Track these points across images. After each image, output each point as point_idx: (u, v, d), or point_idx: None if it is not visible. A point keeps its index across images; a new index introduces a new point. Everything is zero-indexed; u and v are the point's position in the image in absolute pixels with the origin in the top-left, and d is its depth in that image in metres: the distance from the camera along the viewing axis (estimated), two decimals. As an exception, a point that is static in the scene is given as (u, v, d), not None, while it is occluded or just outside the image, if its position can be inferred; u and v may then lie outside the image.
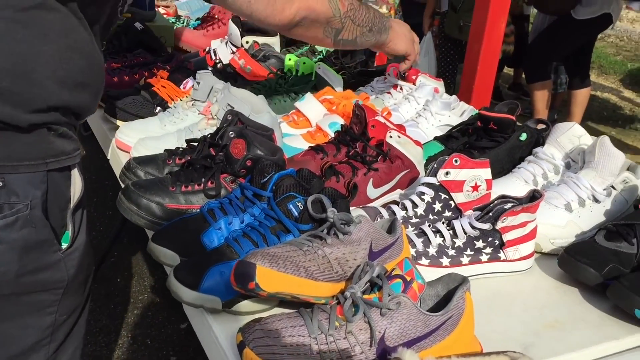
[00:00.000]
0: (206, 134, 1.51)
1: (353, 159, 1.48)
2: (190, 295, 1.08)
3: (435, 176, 1.36)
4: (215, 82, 1.79)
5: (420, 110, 1.90)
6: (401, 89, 2.03)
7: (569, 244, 1.35)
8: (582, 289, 1.28)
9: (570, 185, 1.44)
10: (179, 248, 1.19)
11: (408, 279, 0.98)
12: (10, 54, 0.88)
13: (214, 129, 1.60)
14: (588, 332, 1.17)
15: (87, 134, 2.16)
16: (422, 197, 1.36)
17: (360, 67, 2.32)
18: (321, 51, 2.52)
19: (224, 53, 2.41)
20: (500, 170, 1.61)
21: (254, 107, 1.68)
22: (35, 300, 0.99)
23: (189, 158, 1.45)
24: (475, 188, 1.37)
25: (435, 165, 1.37)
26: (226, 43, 2.45)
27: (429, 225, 1.30)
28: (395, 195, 1.52)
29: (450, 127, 1.79)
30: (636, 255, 1.25)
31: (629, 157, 1.51)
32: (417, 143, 1.55)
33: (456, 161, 1.35)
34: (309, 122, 1.80)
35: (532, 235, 1.31)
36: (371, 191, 1.47)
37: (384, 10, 4.98)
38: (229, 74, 2.21)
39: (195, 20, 3.17)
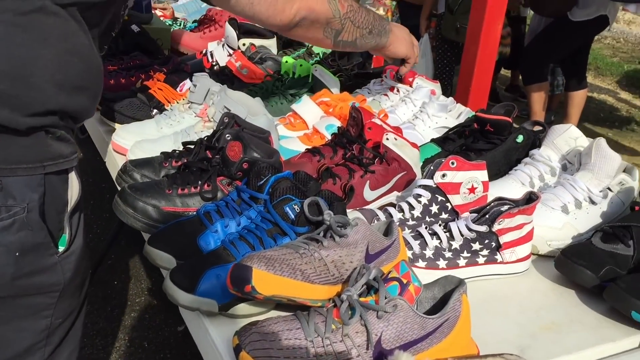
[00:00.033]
0: (203, 137, 1.50)
1: (350, 161, 1.48)
2: (187, 299, 1.08)
3: (432, 178, 1.36)
4: (212, 85, 1.79)
5: (417, 113, 1.90)
6: (398, 91, 2.03)
7: (565, 246, 1.35)
8: (579, 290, 1.28)
9: (566, 187, 1.44)
10: (175, 251, 1.19)
11: (404, 281, 0.98)
12: (10, 57, 0.89)
13: (211, 131, 1.60)
14: (585, 334, 1.17)
15: (83, 137, 2.16)
16: (419, 199, 1.36)
17: (357, 69, 2.32)
18: (318, 53, 2.51)
19: (220, 55, 2.41)
20: (497, 172, 1.61)
21: (250, 109, 1.68)
22: (31, 303, 0.99)
23: (185, 161, 1.45)
24: (472, 190, 1.37)
25: (432, 168, 1.37)
26: (223, 45, 2.45)
27: (426, 228, 1.30)
28: (392, 197, 1.52)
29: (447, 129, 1.79)
30: (633, 257, 1.26)
31: (625, 158, 1.51)
32: (414, 145, 1.55)
33: (453, 163, 1.35)
34: (305, 125, 1.80)
35: (528, 237, 1.32)
36: (368, 193, 1.47)
37: (380, 12, 4.98)
38: (225, 76, 2.20)
39: (192, 23, 3.16)
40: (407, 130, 1.77)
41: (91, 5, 0.96)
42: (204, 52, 2.49)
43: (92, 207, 3.26)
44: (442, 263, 1.25)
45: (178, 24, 3.17)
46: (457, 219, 1.31)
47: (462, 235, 1.27)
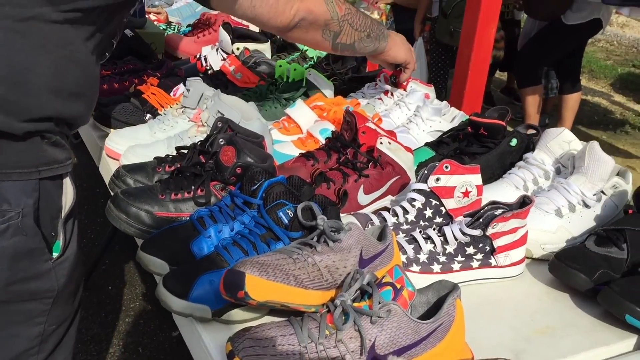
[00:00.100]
0: (196, 142, 1.50)
1: (344, 166, 1.48)
2: (180, 305, 1.07)
3: (426, 182, 1.36)
4: (206, 89, 1.79)
5: (411, 116, 1.90)
6: (392, 94, 2.03)
7: (559, 250, 1.35)
8: (573, 294, 1.28)
9: (560, 190, 1.44)
10: (168, 256, 1.19)
11: (398, 286, 0.98)
12: (8, 62, 0.89)
13: (204, 136, 1.59)
14: (579, 338, 1.17)
15: (77, 142, 2.15)
16: (413, 203, 1.36)
17: (352, 73, 2.32)
18: (312, 57, 2.51)
19: (214, 59, 2.41)
20: (491, 175, 1.61)
21: (244, 114, 1.68)
22: (24, 309, 0.99)
23: (178, 166, 1.45)
24: (466, 194, 1.37)
25: (425, 172, 1.37)
26: (217, 49, 2.45)
27: (420, 232, 1.30)
28: (386, 201, 1.52)
29: (441, 133, 1.79)
30: (626, 261, 1.26)
31: (620, 161, 1.52)
32: (408, 149, 1.55)
33: (447, 167, 1.35)
34: (299, 129, 1.79)
35: (522, 241, 1.32)
36: (362, 197, 1.47)
37: (375, 15, 4.99)
38: (219, 81, 2.20)
39: (186, 27, 3.17)
40: (401, 134, 1.77)
41: (90, 13, 0.96)
42: (198, 56, 2.49)
43: (86, 212, 3.25)
44: (436, 267, 1.25)
45: (172, 28, 3.17)
46: (451, 223, 1.31)
47: (456, 239, 1.27)
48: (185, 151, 1.48)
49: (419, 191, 1.36)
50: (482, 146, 1.65)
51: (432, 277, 1.21)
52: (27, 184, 0.93)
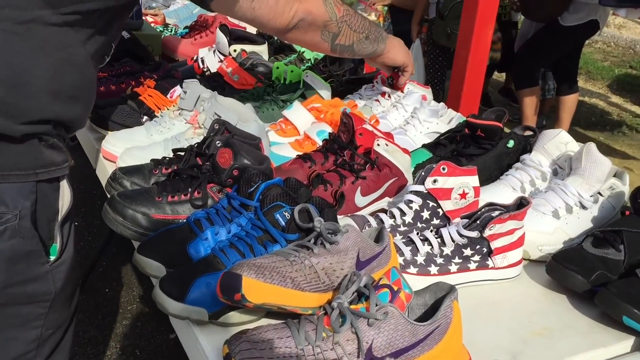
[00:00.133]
0: (193, 144, 1.50)
1: (341, 167, 1.48)
2: (176, 307, 1.07)
3: (423, 184, 1.36)
4: (202, 91, 1.79)
5: (408, 118, 1.90)
6: (389, 96, 2.03)
7: (556, 251, 1.35)
8: (570, 296, 1.28)
9: (557, 192, 1.44)
10: (165, 259, 1.18)
11: (395, 288, 0.98)
12: (7, 65, 0.89)
13: (201, 138, 1.59)
14: (576, 340, 1.17)
15: (73, 144, 2.15)
16: (410, 205, 1.36)
17: (349, 75, 2.32)
18: (309, 59, 2.51)
19: (211, 61, 2.41)
20: (488, 177, 1.61)
21: (241, 115, 1.68)
22: (21, 312, 0.99)
23: (175, 168, 1.44)
24: (463, 196, 1.37)
25: (423, 173, 1.37)
26: (214, 51, 2.45)
27: (417, 234, 1.30)
28: (384, 203, 1.52)
29: (438, 135, 1.79)
30: (623, 262, 1.26)
31: (617, 162, 1.52)
32: (405, 151, 1.55)
33: (444, 169, 1.35)
34: (296, 131, 1.79)
35: (520, 242, 1.31)
36: (359, 199, 1.47)
37: (372, 17, 4.99)
38: (216, 83, 2.20)
39: (183, 29, 3.16)
40: (399, 135, 1.77)
41: (89, 15, 0.96)
42: (195, 58, 2.49)
43: (83, 214, 3.25)
44: (433, 269, 1.25)
45: (169, 30, 3.17)
46: (449, 225, 1.31)
47: (453, 241, 1.27)
48: (182, 153, 1.48)
49: (416, 193, 1.36)
50: (479, 148, 1.65)
51: (429, 279, 1.20)
52: (24, 186, 0.93)
